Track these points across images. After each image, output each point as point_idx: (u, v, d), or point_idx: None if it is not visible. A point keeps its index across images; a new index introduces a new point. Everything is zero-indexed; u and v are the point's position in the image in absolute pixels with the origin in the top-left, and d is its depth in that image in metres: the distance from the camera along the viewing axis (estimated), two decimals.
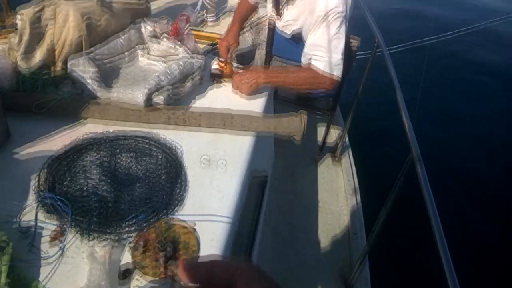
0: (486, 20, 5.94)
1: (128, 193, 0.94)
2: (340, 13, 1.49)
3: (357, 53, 1.78)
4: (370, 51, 1.84)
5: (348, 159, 2.20)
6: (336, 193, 2.01)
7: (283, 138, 1.29)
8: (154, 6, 2.88)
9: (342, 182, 2.09)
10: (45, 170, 0.96)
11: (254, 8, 2.07)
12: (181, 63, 1.30)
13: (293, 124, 1.22)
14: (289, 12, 1.73)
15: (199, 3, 2.93)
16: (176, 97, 1.27)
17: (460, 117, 3.82)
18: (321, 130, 2.36)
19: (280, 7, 1.77)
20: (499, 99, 4.29)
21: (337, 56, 1.52)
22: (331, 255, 1.67)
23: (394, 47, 3.95)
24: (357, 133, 2.43)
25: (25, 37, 1.24)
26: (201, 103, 1.33)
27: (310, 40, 1.58)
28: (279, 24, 1.82)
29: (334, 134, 2.41)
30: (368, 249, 1.43)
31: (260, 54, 2.07)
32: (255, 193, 1.48)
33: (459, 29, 5.09)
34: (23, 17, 1.26)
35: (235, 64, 1.55)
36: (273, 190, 1.82)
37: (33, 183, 0.93)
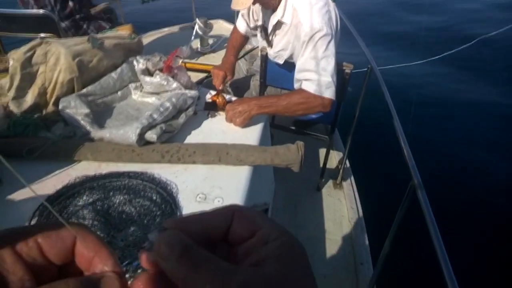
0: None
1: (122, 237, 0.91)
2: (325, 35, 1.48)
3: (351, 78, 1.77)
4: (364, 73, 1.84)
5: (350, 185, 2.16)
6: (340, 222, 1.96)
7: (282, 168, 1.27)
8: (146, 41, 2.93)
9: (345, 209, 2.04)
10: (36, 217, 0.93)
11: (246, 38, 2.08)
12: (173, 99, 1.29)
13: (290, 155, 1.19)
14: (278, 41, 1.74)
15: (193, 35, 2.97)
16: (169, 133, 1.25)
17: (459, 136, 3.79)
18: (320, 156, 2.34)
19: (270, 37, 1.78)
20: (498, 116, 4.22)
21: (327, 77, 1.50)
22: (338, 287, 1.61)
23: (387, 67, 3.96)
24: (358, 158, 2.39)
25: (16, 81, 1.25)
26: (196, 137, 1.31)
27: (299, 65, 1.57)
28: (271, 54, 1.82)
29: (335, 159, 2.38)
30: (375, 279, 1.37)
31: (254, 85, 2.07)
32: None
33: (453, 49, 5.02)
34: (14, 61, 1.26)
35: (227, 96, 1.54)
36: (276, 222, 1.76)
37: None
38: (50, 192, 1.01)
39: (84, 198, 1.00)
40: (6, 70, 1.56)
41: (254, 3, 1.53)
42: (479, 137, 3.74)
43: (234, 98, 1.54)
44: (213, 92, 1.56)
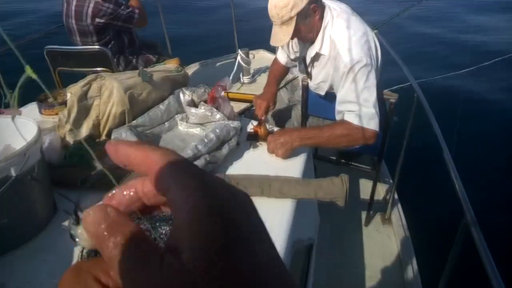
0: None
1: None
2: (365, 65, 1.47)
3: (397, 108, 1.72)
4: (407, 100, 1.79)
5: (399, 220, 2.06)
6: (390, 260, 1.85)
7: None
8: (189, 72, 3.05)
9: (395, 247, 1.94)
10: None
11: (287, 69, 2.11)
12: (217, 130, 1.31)
13: (334, 188, 1.16)
14: (317, 73, 1.74)
15: (236, 65, 3.05)
16: (213, 164, 1.27)
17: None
18: (367, 188, 2.25)
19: (308, 69, 1.78)
20: None
21: (370, 109, 1.47)
22: None
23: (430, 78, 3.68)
24: (407, 192, 2.28)
25: (73, 113, 1.33)
26: (238, 168, 1.32)
27: (340, 97, 1.55)
28: (312, 86, 1.83)
29: (382, 192, 2.28)
30: None
31: (296, 115, 2.07)
32: (301, 263, 1.40)
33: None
34: (71, 95, 1.35)
35: (270, 126, 1.54)
36: (321, 259, 1.71)
37: (78, 259, 0.93)
38: None
39: None
40: (64, 103, 1.67)
41: (292, 38, 1.55)
42: None
43: (276, 129, 1.54)
44: (255, 123, 1.57)
